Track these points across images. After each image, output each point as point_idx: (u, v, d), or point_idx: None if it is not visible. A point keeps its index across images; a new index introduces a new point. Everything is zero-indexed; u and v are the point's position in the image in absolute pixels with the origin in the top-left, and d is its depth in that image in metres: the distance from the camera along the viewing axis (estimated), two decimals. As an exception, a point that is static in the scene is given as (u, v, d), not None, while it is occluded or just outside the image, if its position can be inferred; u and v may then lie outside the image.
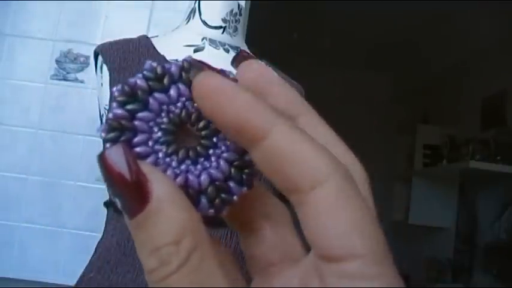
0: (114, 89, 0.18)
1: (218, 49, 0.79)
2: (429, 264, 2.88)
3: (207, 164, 0.18)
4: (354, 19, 2.73)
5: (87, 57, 1.23)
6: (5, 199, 1.19)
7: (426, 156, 3.00)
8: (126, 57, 0.74)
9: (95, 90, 0.80)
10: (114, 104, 0.18)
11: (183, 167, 0.18)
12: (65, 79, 1.23)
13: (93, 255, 0.70)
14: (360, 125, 3.77)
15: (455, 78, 3.06)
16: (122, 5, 1.25)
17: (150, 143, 0.18)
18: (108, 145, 0.17)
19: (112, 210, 0.72)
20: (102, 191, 1.12)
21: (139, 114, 0.18)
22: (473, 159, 2.37)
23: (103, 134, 0.17)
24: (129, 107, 0.18)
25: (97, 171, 1.13)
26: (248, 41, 0.90)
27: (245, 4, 1.08)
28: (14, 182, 1.20)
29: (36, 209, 1.19)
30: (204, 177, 0.18)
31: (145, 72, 0.18)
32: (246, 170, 0.19)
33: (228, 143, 0.19)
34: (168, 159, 0.18)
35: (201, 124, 0.19)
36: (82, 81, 1.24)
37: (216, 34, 0.79)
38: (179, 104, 0.18)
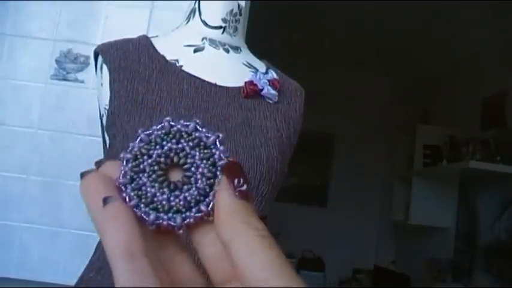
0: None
1: (218, 49, 0.79)
2: (429, 264, 2.88)
3: (180, 193, 0.24)
4: (354, 19, 2.73)
5: (87, 57, 1.23)
6: (5, 199, 1.19)
7: (426, 156, 3.00)
8: (126, 57, 0.74)
9: (95, 90, 0.80)
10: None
11: (157, 191, 0.24)
12: (65, 79, 1.23)
13: (93, 255, 0.70)
14: (360, 125, 3.77)
15: (455, 78, 3.06)
16: (122, 5, 1.25)
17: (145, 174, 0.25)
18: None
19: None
20: (102, 191, 1.11)
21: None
22: (473, 159, 2.37)
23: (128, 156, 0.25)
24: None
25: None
26: (248, 41, 0.90)
27: (245, 4, 1.09)
28: (14, 182, 1.20)
29: (36, 209, 1.19)
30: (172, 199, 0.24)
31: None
32: (205, 202, 0.24)
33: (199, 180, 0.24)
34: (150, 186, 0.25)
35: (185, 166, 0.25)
36: (82, 81, 1.24)
37: (216, 34, 0.79)
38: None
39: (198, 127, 0.26)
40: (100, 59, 0.76)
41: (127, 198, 0.24)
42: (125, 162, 0.25)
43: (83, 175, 0.24)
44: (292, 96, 0.80)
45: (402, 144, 3.43)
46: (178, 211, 0.24)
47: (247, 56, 0.82)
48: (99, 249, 0.69)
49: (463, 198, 2.83)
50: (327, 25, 2.90)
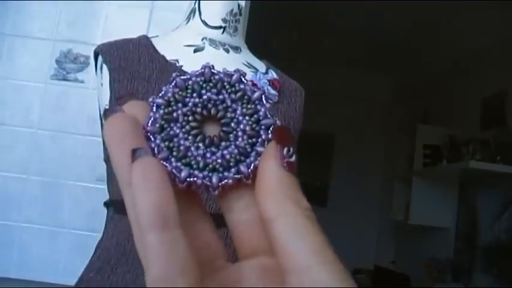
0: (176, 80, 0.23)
1: (218, 49, 0.79)
2: (429, 264, 2.88)
3: (218, 149, 0.22)
4: (354, 19, 2.73)
5: (87, 57, 1.23)
6: (5, 199, 1.19)
7: (426, 156, 3.00)
8: (126, 57, 0.74)
9: (95, 90, 0.80)
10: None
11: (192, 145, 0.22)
12: (65, 79, 1.23)
13: (93, 255, 0.70)
14: (360, 125, 3.77)
15: (455, 79, 3.06)
16: (122, 5, 1.25)
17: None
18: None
19: (112, 210, 0.72)
20: (102, 191, 1.11)
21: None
22: (473, 159, 2.37)
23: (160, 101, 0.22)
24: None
25: (97, 171, 1.13)
26: (248, 41, 0.90)
27: (245, 4, 1.09)
28: (14, 182, 1.20)
29: (36, 209, 1.19)
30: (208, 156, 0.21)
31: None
32: (245, 162, 0.21)
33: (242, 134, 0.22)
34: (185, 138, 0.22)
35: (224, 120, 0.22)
36: (82, 81, 1.24)
37: (216, 34, 0.79)
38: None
39: (243, 79, 0.23)
40: (100, 59, 0.76)
41: (156, 149, 0.21)
42: (155, 107, 0.22)
43: (107, 115, 0.21)
44: (292, 96, 0.80)
45: (402, 144, 3.43)
46: (214, 169, 0.21)
47: (247, 56, 0.82)
48: (99, 249, 0.69)
49: (463, 198, 2.83)
50: (327, 25, 2.90)
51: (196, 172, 0.21)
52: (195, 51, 0.77)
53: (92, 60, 1.19)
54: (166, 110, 0.22)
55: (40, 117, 1.22)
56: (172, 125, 0.22)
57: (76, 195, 1.20)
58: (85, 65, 1.24)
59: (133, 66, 0.73)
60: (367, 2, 2.43)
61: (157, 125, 0.21)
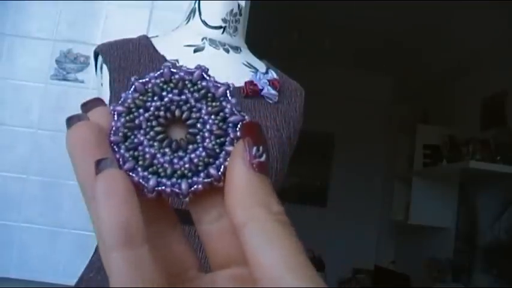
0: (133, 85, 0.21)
1: (218, 49, 0.79)
2: (429, 264, 2.88)
3: (184, 154, 0.21)
4: (354, 19, 2.73)
5: (87, 57, 1.23)
6: (5, 199, 1.19)
7: (426, 156, 3.00)
8: (126, 57, 0.74)
9: (95, 90, 0.80)
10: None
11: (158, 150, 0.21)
12: (65, 79, 1.23)
13: (93, 255, 0.70)
14: (360, 125, 3.77)
15: (455, 79, 3.06)
16: (122, 5, 1.25)
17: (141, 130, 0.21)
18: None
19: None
20: (102, 191, 1.11)
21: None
22: (473, 159, 2.37)
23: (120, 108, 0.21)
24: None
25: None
26: (248, 41, 0.90)
27: (245, 4, 1.08)
28: (14, 182, 1.20)
29: (36, 209, 1.19)
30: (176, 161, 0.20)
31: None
32: (215, 164, 0.20)
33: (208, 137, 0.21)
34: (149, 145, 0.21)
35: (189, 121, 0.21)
36: (82, 81, 1.23)
37: (216, 34, 0.79)
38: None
39: (205, 75, 0.22)
40: (100, 59, 0.76)
41: (121, 159, 0.20)
42: (116, 116, 0.21)
43: (70, 123, 0.20)
44: (292, 96, 0.80)
45: (402, 144, 3.43)
46: (183, 176, 0.20)
47: (247, 56, 0.82)
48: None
49: (463, 198, 2.83)
50: (327, 25, 2.90)
51: (164, 180, 0.20)
52: (195, 51, 0.77)
53: (92, 60, 1.19)
54: (127, 118, 0.21)
55: (40, 117, 1.22)
56: (135, 132, 0.21)
57: (76, 195, 1.20)
58: (85, 65, 1.24)
59: (133, 66, 0.73)
60: (367, 2, 2.42)
61: (120, 134, 0.20)
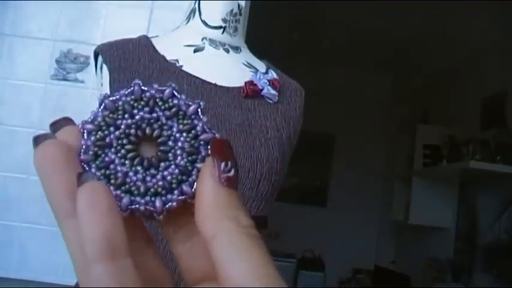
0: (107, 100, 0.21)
1: (218, 49, 0.79)
2: (429, 264, 2.88)
3: (157, 172, 0.21)
4: (354, 19, 2.73)
5: (87, 57, 1.23)
6: (5, 199, 1.19)
7: (426, 156, 3.00)
8: (126, 57, 0.74)
9: (95, 90, 0.80)
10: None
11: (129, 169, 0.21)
12: (65, 79, 1.23)
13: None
14: (360, 125, 3.77)
15: (455, 78, 3.06)
16: (122, 5, 1.25)
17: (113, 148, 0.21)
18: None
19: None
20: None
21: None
22: (473, 159, 2.37)
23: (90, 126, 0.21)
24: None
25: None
26: (248, 41, 0.90)
27: (245, 4, 1.08)
28: (14, 182, 1.20)
29: (36, 209, 1.19)
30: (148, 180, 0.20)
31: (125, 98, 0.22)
32: (188, 182, 0.21)
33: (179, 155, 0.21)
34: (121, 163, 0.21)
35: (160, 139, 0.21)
36: (82, 81, 1.23)
37: (216, 34, 0.79)
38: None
39: (176, 93, 0.22)
40: (100, 59, 0.76)
41: None
42: (86, 134, 0.21)
43: (37, 142, 0.20)
44: (292, 96, 0.80)
45: (402, 144, 3.43)
46: (157, 193, 0.20)
47: (247, 56, 0.82)
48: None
49: (463, 198, 2.83)
50: (326, 25, 2.90)
51: (138, 198, 0.20)
52: (195, 51, 0.77)
53: (92, 60, 1.19)
54: (98, 136, 0.20)
55: (40, 117, 1.22)
56: (106, 150, 0.20)
57: (76, 195, 1.20)
58: (85, 65, 1.24)
59: (133, 66, 0.73)
60: (367, 2, 2.43)
61: (90, 153, 0.20)
